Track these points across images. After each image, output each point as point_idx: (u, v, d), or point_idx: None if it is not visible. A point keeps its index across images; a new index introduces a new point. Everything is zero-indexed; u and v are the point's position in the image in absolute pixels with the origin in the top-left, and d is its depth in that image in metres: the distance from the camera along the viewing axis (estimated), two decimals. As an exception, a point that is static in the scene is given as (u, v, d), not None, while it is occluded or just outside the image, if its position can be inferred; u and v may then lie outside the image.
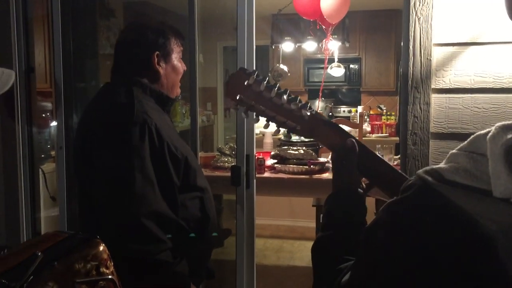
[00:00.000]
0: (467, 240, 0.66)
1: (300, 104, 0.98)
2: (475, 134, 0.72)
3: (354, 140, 0.99)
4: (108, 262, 0.96)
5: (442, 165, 0.73)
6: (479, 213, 0.66)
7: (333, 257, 0.89)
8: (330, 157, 3.59)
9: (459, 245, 0.66)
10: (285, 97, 0.97)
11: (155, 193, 1.53)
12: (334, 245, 0.92)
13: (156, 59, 1.68)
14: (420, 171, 0.74)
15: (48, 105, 3.59)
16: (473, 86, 2.00)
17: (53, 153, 3.45)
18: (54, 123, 2.96)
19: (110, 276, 0.94)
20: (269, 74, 6.02)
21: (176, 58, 1.74)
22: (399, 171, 1.03)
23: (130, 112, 1.54)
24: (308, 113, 0.98)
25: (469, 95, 2.00)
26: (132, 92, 1.60)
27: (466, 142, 0.73)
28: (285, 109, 0.97)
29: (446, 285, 0.67)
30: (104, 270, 0.94)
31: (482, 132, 0.71)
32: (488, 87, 1.98)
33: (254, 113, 0.99)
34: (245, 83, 0.97)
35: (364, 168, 1.01)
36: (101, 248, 0.96)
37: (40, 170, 2.98)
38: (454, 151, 0.74)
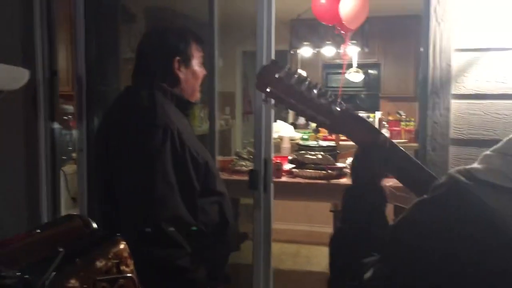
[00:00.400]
0: (498, 242, 0.66)
1: (330, 99, 0.97)
2: (509, 137, 0.73)
3: (386, 136, 1.00)
4: (129, 260, 0.97)
5: (474, 165, 0.73)
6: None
7: (352, 250, 0.89)
8: (348, 161, 3.58)
9: (490, 246, 0.66)
10: (315, 91, 0.97)
11: (175, 197, 1.53)
12: (353, 237, 0.92)
13: (176, 64, 1.69)
14: (451, 170, 0.74)
15: (70, 107, 3.65)
16: (493, 92, 1.98)
17: (74, 155, 3.50)
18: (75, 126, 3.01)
19: (130, 275, 0.95)
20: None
21: (196, 63, 1.75)
22: (429, 171, 1.02)
23: (153, 115, 1.55)
24: (339, 108, 0.97)
25: (489, 101, 1.98)
26: (154, 96, 1.62)
27: (500, 144, 0.74)
28: (315, 103, 0.96)
29: (474, 285, 0.67)
30: (124, 268, 0.95)
31: None
32: (509, 93, 1.96)
33: (283, 106, 0.98)
34: (276, 76, 0.96)
35: (396, 167, 1.00)
36: (122, 246, 0.97)
37: (61, 171, 3.03)
38: (487, 152, 0.74)
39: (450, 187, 0.72)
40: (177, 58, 1.69)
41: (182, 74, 1.71)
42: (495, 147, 0.75)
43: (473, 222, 0.68)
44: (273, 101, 0.99)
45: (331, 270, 0.95)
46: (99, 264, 0.91)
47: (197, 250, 1.58)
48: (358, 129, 1.00)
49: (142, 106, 1.62)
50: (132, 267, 0.97)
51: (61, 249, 0.88)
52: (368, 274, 0.80)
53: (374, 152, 0.99)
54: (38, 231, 0.98)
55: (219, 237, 1.69)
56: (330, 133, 1.05)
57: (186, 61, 1.72)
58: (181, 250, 1.53)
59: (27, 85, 2.66)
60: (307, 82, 0.96)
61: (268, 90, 0.97)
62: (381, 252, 0.81)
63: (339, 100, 0.99)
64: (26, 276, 0.83)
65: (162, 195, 1.51)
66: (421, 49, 2.09)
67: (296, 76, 0.96)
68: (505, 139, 0.74)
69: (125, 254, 0.97)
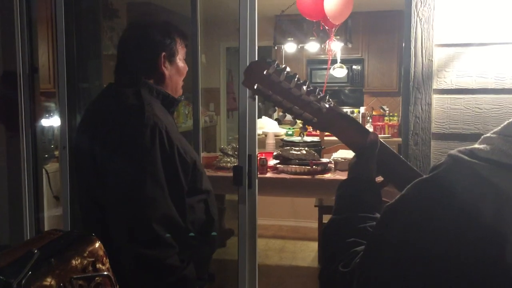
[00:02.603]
0: (503, 219, 0.66)
1: (319, 96, 0.96)
2: (509, 120, 0.74)
3: (376, 134, 1.00)
4: (104, 258, 0.97)
5: (475, 146, 0.73)
6: None
7: (346, 240, 0.88)
8: (333, 156, 3.60)
9: (496, 219, 0.66)
10: (304, 88, 0.95)
11: (165, 197, 1.51)
12: (347, 228, 0.91)
13: (162, 60, 1.65)
14: (452, 151, 0.74)
15: (52, 105, 3.61)
16: (474, 87, 2.00)
17: (56, 153, 3.46)
18: (57, 123, 2.98)
19: (106, 273, 0.95)
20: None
21: (180, 59, 1.71)
22: (417, 169, 1.02)
23: (141, 114, 1.51)
24: (327, 105, 0.96)
25: (470, 95, 2.01)
26: (140, 94, 1.57)
27: (500, 127, 0.74)
28: (303, 101, 0.95)
29: (476, 260, 0.66)
30: (100, 266, 0.95)
31: None
32: (489, 87, 1.99)
33: (271, 103, 0.96)
34: (264, 73, 0.94)
35: (382, 165, 1.00)
36: (97, 244, 0.97)
37: (43, 169, 2.99)
38: (487, 135, 0.74)
39: (450, 165, 0.71)
40: (163, 53, 1.65)
41: (167, 70, 1.66)
42: (495, 130, 0.75)
43: (475, 199, 0.67)
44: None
45: (324, 261, 0.93)
46: (75, 262, 0.91)
47: (185, 248, 1.57)
48: (345, 128, 0.99)
49: (129, 105, 1.56)
50: (108, 265, 0.97)
51: (35, 250, 0.87)
52: (357, 259, 0.79)
53: (368, 148, 0.98)
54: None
55: (206, 235, 1.68)
56: (319, 130, 1.04)
57: (171, 57, 1.67)
58: (171, 249, 1.52)
59: (7, 82, 2.63)
60: (296, 79, 0.95)
61: (255, 87, 0.95)
62: (374, 233, 0.79)
63: (327, 97, 0.97)
64: (1, 277, 0.81)
65: (152, 195, 1.49)
66: (403, 44, 2.10)
67: (285, 72, 0.94)
68: (505, 123, 0.74)
69: (101, 252, 0.96)
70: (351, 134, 0.99)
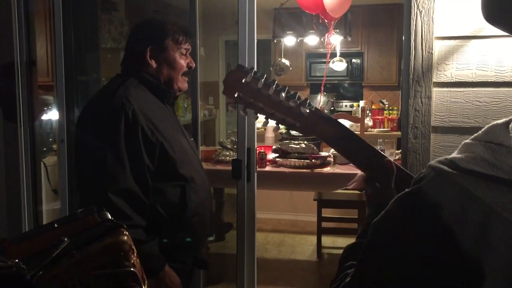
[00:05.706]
0: (488, 231, 0.63)
1: (299, 101, 0.97)
2: (490, 124, 0.69)
3: (392, 161, 0.99)
4: (130, 253, 0.90)
5: (455, 155, 0.69)
6: (500, 204, 0.63)
7: (345, 264, 0.87)
8: (331, 150, 3.60)
9: (480, 235, 0.63)
10: (283, 94, 0.97)
11: (125, 172, 1.60)
12: (353, 252, 0.89)
13: (149, 53, 1.76)
14: (432, 162, 0.70)
15: (50, 98, 3.59)
16: (474, 80, 1.99)
17: (55, 146, 3.45)
18: (55, 117, 2.96)
19: (132, 269, 0.88)
20: (271, 69, 6.01)
21: (173, 54, 1.79)
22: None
23: (111, 96, 1.66)
24: (307, 110, 0.97)
25: (470, 88, 2.00)
26: (124, 81, 1.71)
27: (480, 132, 0.70)
28: (284, 106, 0.97)
29: (461, 275, 0.64)
30: (125, 262, 0.89)
31: (499, 122, 0.68)
32: (489, 80, 1.98)
33: (253, 111, 0.99)
34: (243, 81, 0.96)
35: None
36: (125, 238, 0.90)
37: (42, 163, 2.98)
38: (467, 141, 0.70)
39: (433, 178, 0.68)
40: (149, 47, 1.76)
41: (156, 63, 1.77)
42: (475, 135, 0.70)
43: (459, 213, 0.64)
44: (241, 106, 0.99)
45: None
46: (99, 257, 0.85)
47: (150, 225, 1.66)
48: (327, 130, 1.00)
49: (107, 89, 1.75)
50: (134, 260, 0.91)
51: (65, 239, 0.83)
52: (347, 279, 0.78)
53: (384, 177, 0.97)
54: (56, 225, 0.92)
55: (178, 219, 1.72)
56: (303, 134, 1.05)
57: (160, 51, 1.77)
58: (129, 221, 1.58)
59: (5, 74, 2.62)
60: (274, 86, 0.96)
61: (236, 95, 0.97)
62: (363, 249, 0.76)
63: (308, 102, 0.98)
64: (23, 266, 0.78)
65: (111, 169, 1.59)
66: (403, 37, 2.09)
67: (262, 80, 0.96)
68: (485, 128, 0.70)
69: (126, 247, 0.89)
70: (333, 135, 1.00)
